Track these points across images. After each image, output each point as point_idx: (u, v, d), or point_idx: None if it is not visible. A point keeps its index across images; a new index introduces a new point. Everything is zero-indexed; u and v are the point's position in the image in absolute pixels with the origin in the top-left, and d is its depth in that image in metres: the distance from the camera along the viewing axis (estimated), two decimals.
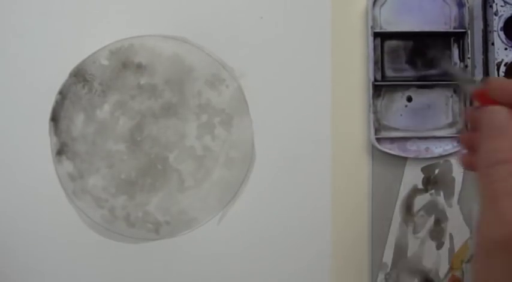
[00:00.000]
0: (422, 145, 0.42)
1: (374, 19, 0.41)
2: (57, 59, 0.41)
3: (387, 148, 0.41)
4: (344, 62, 0.42)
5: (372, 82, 0.41)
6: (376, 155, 0.42)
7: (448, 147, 0.42)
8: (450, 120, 0.42)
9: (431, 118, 0.42)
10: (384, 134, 0.42)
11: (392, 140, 0.42)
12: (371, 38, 0.41)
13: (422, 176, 0.42)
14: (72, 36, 0.41)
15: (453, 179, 0.42)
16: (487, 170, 0.26)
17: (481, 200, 0.27)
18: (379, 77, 0.42)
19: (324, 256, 0.42)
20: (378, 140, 0.41)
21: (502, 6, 0.40)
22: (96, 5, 0.42)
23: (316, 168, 0.42)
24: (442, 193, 0.42)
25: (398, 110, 0.42)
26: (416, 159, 0.42)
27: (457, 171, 0.42)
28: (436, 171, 0.42)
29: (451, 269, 0.41)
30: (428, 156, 0.42)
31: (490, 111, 0.28)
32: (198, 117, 0.41)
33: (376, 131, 0.41)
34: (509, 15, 0.40)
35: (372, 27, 0.41)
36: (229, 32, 0.42)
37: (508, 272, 0.25)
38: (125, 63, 0.41)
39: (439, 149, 0.42)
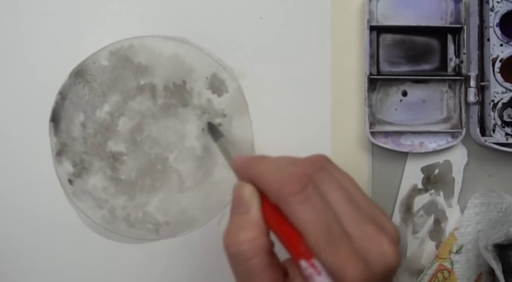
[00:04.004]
0: (417, 140, 0.42)
1: (370, 13, 0.41)
2: (57, 60, 0.41)
3: (381, 142, 0.41)
4: (345, 60, 0.42)
5: (368, 76, 0.41)
6: (376, 155, 0.42)
7: (442, 142, 0.42)
8: (445, 115, 0.42)
9: (426, 113, 0.42)
10: (379, 128, 0.42)
11: (387, 134, 0.42)
12: (367, 31, 0.41)
13: (422, 175, 0.42)
14: (72, 37, 0.41)
15: (453, 179, 0.42)
16: (235, 248, 0.27)
17: (236, 279, 0.27)
18: (374, 71, 0.42)
19: None
20: (373, 133, 0.41)
21: (498, 2, 0.40)
22: (96, 5, 0.42)
23: None
24: (441, 193, 0.42)
25: (393, 104, 0.42)
26: (416, 159, 0.42)
27: (457, 171, 0.42)
28: (436, 171, 0.42)
29: (437, 258, 0.41)
30: (423, 151, 0.42)
31: (237, 187, 0.29)
32: (198, 117, 0.41)
33: (371, 125, 0.41)
34: (505, 11, 0.40)
35: (368, 21, 0.41)
36: (230, 32, 0.42)
37: None
38: (125, 63, 0.41)
39: (433, 144, 0.42)
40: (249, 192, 0.28)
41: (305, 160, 0.29)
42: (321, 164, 0.28)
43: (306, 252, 0.25)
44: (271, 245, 0.27)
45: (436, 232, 0.42)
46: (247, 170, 0.29)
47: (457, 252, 0.41)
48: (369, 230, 0.25)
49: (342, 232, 0.25)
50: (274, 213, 0.27)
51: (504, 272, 0.39)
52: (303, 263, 0.25)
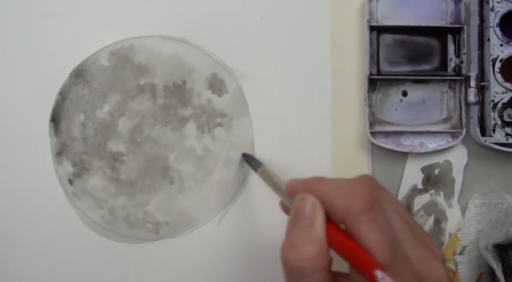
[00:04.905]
0: (417, 140, 0.42)
1: (371, 13, 0.41)
2: (57, 60, 0.41)
3: (382, 142, 0.41)
4: (345, 60, 0.42)
5: (368, 76, 0.41)
6: (376, 155, 0.42)
7: (442, 142, 0.42)
8: (445, 115, 0.42)
9: (426, 113, 0.42)
10: (379, 128, 0.42)
11: (387, 134, 0.42)
12: (367, 32, 0.41)
13: (422, 175, 0.42)
14: (72, 37, 0.41)
15: (453, 179, 0.42)
16: (297, 264, 0.25)
17: None
18: (374, 71, 0.42)
19: None
20: (373, 133, 0.41)
21: (498, 2, 0.40)
22: (96, 5, 0.42)
23: (317, 169, 0.42)
24: (442, 193, 0.42)
25: (394, 104, 0.42)
26: (416, 159, 0.42)
27: (457, 172, 0.42)
28: (436, 171, 0.42)
29: None
30: (423, 151, 0.42)
31: (298, 199, 0.27)
32: (198, 117, 0.41)
33: (371, 125, 0.41)
34: (505, 11, 0.40)
35: (368, 21, 0.41)
36: (230, 32, 0.42)
37: None
38: (125, 63, 0.41)
39: (433, 144, 0.42)
40: (313, 205, 0.27)
41: (358, 180, 0.28)
42: (374, 184, 0.28)
43: (380, 265, 0.24)
44: (331, 262, 0.26)
45: (436, 232, 0.42)
46: (306, 190, 0.28)
47: (461, 253, 0.41)
48: (426, 254, 0.26)
49: (403, 254, 0.25)
50: (337, 231, 0.26)
51: (504, 272, 0.39)
52: (379, 273, 0.24)
